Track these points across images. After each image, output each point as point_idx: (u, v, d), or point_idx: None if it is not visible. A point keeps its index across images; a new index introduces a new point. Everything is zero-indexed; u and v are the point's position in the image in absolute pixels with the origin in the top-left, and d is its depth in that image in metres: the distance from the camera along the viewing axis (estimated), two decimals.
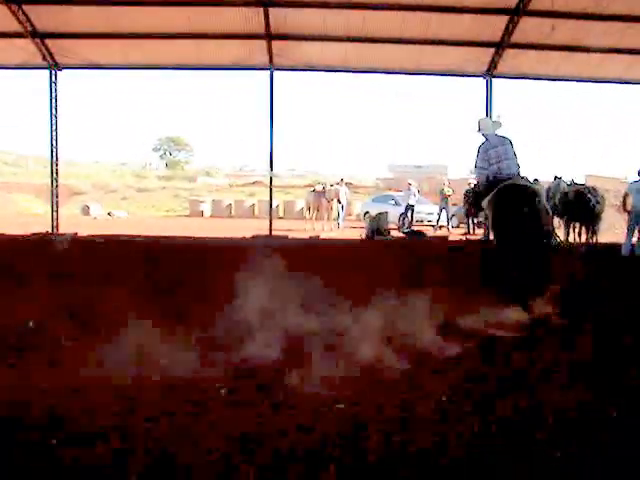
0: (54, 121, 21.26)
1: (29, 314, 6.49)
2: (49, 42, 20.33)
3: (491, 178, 8.60)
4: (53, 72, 21.23)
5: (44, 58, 20.63)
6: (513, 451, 3.45)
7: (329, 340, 5.64)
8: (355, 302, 6.42)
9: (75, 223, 24.55)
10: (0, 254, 12.78)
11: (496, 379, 4.81)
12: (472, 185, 25.83)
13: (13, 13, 18.73)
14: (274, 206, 24.16)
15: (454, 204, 28.62)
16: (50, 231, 20.91)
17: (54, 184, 21.62)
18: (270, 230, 21.28)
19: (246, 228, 22.54)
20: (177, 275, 9.32)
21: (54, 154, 21.53)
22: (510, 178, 8.42)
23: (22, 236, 18.24)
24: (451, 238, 21.19)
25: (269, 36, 19.71)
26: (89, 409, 3.90)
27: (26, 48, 20.27)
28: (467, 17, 18.79)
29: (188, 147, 75.42)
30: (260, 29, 19.44)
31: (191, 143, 75.89)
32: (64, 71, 21.55)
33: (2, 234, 18.23)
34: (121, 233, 18.76)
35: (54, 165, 21.58)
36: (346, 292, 6.73)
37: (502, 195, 8.24)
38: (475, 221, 22.84)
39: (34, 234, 19.20)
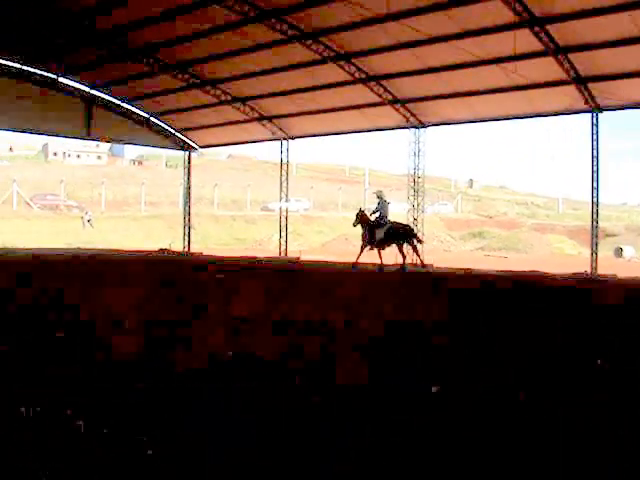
0: (595, 163, 21.48)
1: None
2: (591, 86, 20.69)
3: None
4: (594, 115, 21.51)
5: (586, 102, 21.04)
6: None
7: None
8: None
9: (609, 265, 24.26)
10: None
11: None
12: None
13: (559, 62, 19.58)
14: None
15: None
16: (587, 271, 21.08)
17: (594, 225, 21.74)
18: None
19: None
20: None
21: (595, 197, 21.69)
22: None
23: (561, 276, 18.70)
24: None
25: None
26: None
27: (568, 94, 21.01)
28: None
29: None
30: None
31: None
32: (604, 113, 21.71)
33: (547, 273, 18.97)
34: None
35: (594, 207, 21.74)
36: None
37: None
38: None
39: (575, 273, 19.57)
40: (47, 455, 3.33)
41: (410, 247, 20.94)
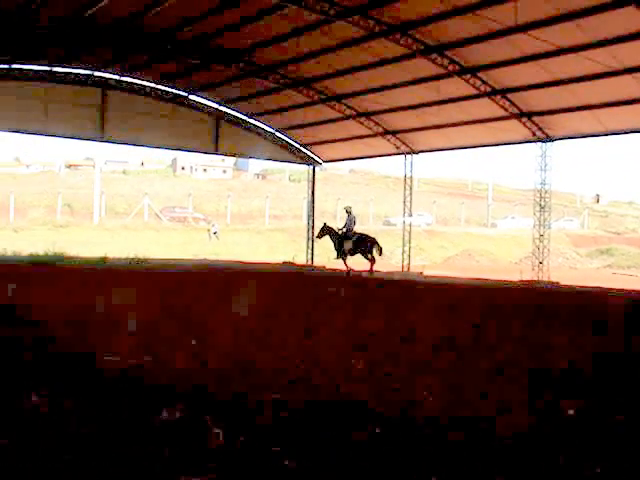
0: None
1: None
2: None
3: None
4: None
5: None
6: None
7: None
8: None
9: None
10: None
11: None
12: None
13: None
14: None
15: None
16: None
17: None
18: None
19: None
20: None
21: None
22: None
23: None
24: None
25: None
26: None
27: None
28: None
29: None
30: None
31: None
32: None
33: None
34: None
35: None
36: None
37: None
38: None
39: None
40: (190, 461, 3.48)
41: (370, 255, 23.86)
